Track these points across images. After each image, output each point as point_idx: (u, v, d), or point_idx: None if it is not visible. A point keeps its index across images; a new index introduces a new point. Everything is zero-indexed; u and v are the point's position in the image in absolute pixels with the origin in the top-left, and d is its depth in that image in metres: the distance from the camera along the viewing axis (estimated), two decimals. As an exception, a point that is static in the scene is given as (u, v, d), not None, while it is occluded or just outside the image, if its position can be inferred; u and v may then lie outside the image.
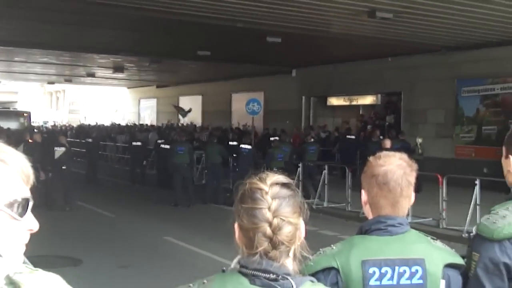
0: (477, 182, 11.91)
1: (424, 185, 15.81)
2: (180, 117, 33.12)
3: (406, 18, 14.82)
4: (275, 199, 1.64)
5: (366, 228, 2.21)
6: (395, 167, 2.18)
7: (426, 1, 12.81)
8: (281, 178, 1.71)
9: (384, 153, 2.27)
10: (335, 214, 14.50)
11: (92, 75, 33.12)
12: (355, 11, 13.99)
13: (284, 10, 14.18)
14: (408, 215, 8.93)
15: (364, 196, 2.26)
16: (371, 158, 2.25)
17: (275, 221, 1.62)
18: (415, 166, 2.24)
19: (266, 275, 1.61)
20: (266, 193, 1.65)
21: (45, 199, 15.35)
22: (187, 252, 10.62)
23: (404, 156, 2.25)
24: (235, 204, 1.71)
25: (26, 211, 1.34)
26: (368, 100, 25.64)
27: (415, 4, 13.14)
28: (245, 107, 21.10)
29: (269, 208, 1.63)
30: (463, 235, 10.57)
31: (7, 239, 1.30)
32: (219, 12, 14.58)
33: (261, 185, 1.67)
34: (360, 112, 26.86)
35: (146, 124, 36.03)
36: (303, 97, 27.25)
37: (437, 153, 19.38)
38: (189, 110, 30.80)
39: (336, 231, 12.01)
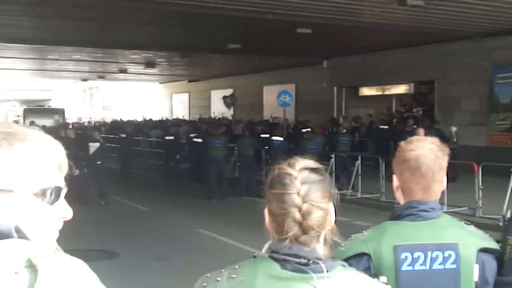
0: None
1: (459, 174, 15.70)
2: (217, 109, 32.96)
3: (437, 5, 14.60)
4: (304, 184, 1.63)
5: (398, 213, 2.19)
6: (427, 151, 2.16)
7: (458, -13, 12.62)
8: (311, 163, 1.70)
9: (416, 137, 2.25)
10: (369, 204, 14.41)
11: (124, 71, 33.42)
12: (385, -1, 13.86)
13: (314, 0, 14.10)
14: (444, 204, 8.77)
15: (395, 181, 2.24)
16: (402, 143, 2.23)
17: (305, 206, 1.61)
18: (446, 150, 2.21)
19: (297, 259, 1.61)
20: (295, 178, 1.64)
21: (80, 194, 15.60)
22: (221, 244, 10.67)
23: (436, 140, 2.22)
24: (264, 189, 1.70)
25: (59, 198, 1.35)
26: (400, 89, 25.37)
27: (447, -10, 12.95)
28: (276, 99, 21.06)
29: (298, 193, 1.62)
30: (500, 224, 10.41)
31: (38, 225, 1.31)
32: (248, 4, 14.57)
33: (290, 170, 1.66)
34: (394, 102, 26.58)
35: (178, 118, 36.22)
36: (335, 88, 27.10)
37: (472, 142, 19.11)
38: (234, 99, 30.70)
39: (370, 221, 11.88)
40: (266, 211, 1.69)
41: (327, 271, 1.60)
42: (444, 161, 2.18)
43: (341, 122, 22.83)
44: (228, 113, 33.61)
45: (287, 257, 1.62)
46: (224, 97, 30.99)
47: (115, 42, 22.58)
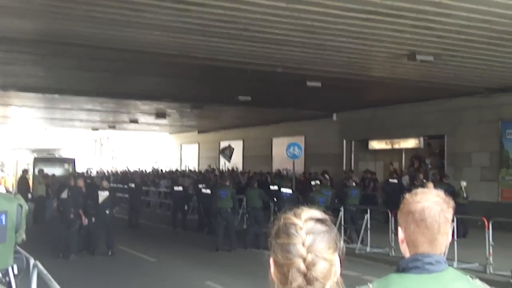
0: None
1: (469, 229, 15.55)
2: (224, 161, 33.29)
3: (447, 61, 14.73)
4: (310, 234, 1.64)
5: (403, 266, 2.17)
6: (432, 204, 2.16)
7: (467, 43, 12.73)
8: (316, 213, 1.71)
9: (420, 190, 2.25)
10: (378, 259, 14.23)
11: (135, 121, 33.69)
12: (395, 54, 13.99)
13: (324, 54, 14.27)
14: (454, 259, 8.67)
15: (401, 233, 2.23)
16: (407, 195, 2.23)
17: (309, 257, 1.61)
18: (451, 203, 2.20)
19: None
20: (301, 228, 1.65)
21: (87, 243, 15.55)
22: (228, 297, 10.54)
23: (441, 193, 2.22)
24: (270, 239, 1.71)
25: None
26: (410, 143, 25.37)
27: (456, 46, 13.06)
28: (285, 151, 21.11)
29: (303, 244, 1.62)
30: (511, 280, 10.26)
31: None
32: (259, 57, 14.76)
33: (296, 220, 1.67)
34: (403, 156, 26.52)
35: (188, 170, 36.28)
36: (344, 141, 27.16)
37: (483, 197, 18.99)
38: (232, 150, 30.97)
39: (379, 276, 11.70)
40: (271, 261, 1.69)
41: None
42: (449, 214, 2.18)
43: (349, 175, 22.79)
44: (237, 164, 33.73)
45: None
46: (222, 150, 31.28)
47: (127, 92, 22.86)
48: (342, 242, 1.72)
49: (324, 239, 1.65)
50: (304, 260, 1.61)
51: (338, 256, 1.69)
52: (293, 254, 1.62)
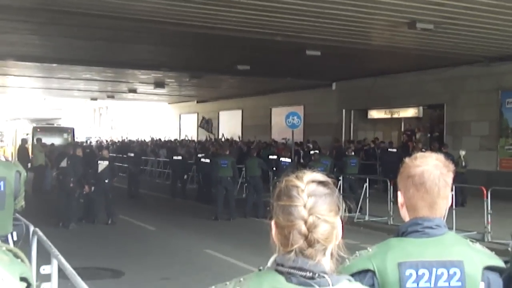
0: (523, 194, 11.68)
1: (468, 198, 15.61)
2: (225, 130, 33.48)
3: (447, 29, 14.64)
4: (311, 196, 1.63)
5: (403, 230, 2.17)
6: (432, 167, 2.14)
7: (467, 11, 12.64)
8: (318, 176, 1.70)
9: (420, 154, 2.23)
10: (377, 228, 14.33)
11: (134, 91, 33.57)
12: (395, 22, 13.89)
13: (323, 23, 14.17)
14: (452, 228, 8.69)
15: (400, 198, 2.22)
16: (407, 159, 2.22)
17: (311, 219, 1.60)
18: (452, 166, 2.19)
19: (302, 273, 1.60)
20: (302, 190, 1.64)
21: (87, 212, 15.62)
22: (227, 265, 10.62)
23: (440, 156, 2.21)
24: (272, 201, 1.70)
25: None
26: (409, 112, 25.37)
27: (456, 14, 12.97)
28: (284, 120, 21.10)
29: (304, 206, 1.62)
30: (509, 249, 10.32)
31: None
32: (258, 26, 14.65)
33: (297, 183, 1.66)
34: (402, 125, 26.56)
35: (187, 139, 36.28)
36: (344, 110, 27.13)
37: (481, 166, 19.03)
38: (210, 121, 31.17)
39: (377, 244, 11.84)
40: (272, 223, 1.69)
41: (332, 285, 1.59)
42: (449, 178, 2.16)
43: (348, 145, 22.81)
44: (237, 133, 33.78)
45: (292, 270, 1.61)
46: (200, 125, 31.43)
47: (125, 62, 22.73)
48: (343, 205, 1.71)
49: (326, 201, 1.64)
50: (306, 222, 1.60)
51: (340, 219, 1.69)
52: (295, 216, 1.61)
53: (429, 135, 23.63)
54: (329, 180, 1.71)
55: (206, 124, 32.05)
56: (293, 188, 1.65)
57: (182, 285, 9.23)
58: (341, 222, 1.69)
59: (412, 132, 25.62)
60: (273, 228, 1.69)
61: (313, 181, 1.67)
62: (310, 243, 1.60)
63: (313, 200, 1.62)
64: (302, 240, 1.60)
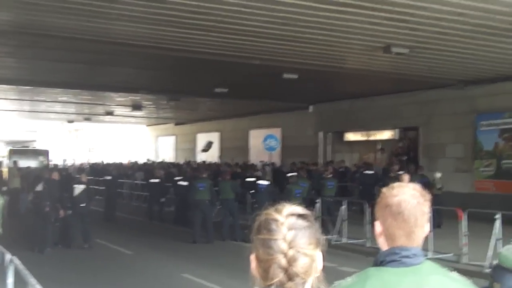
0: (498, 216, 11.79)
1: (444, 220, 15.74)
2: (201, 153, 33.52)
3: (421, 53, 14.86)
4: (291, 230, 1.65)
5: (381, 259, 2.19)
6: (409, 197, 2.18)
7: (441, 36, 12.85)
8: (298, 209, 1.72)
9: (397, 183, 2.27)
10: (354, 250, 14.35)
11: (110, 113, 33.47)
12: (370, 47, 14.08)
13: (300, 47, 14.30)
14: (428, 250, 8.73)
15: (378, 227, 2.25)
16: (384, 189, 2.25)
17: (290, 252, 1.62)
18: (428, 196, 2.23)
19: None
20: (282, 224, 1.66)
21: (63, 236, 15.44)
22: (205, 289, 10.56)
23: (417, 186, 2.25)
24: (251, 235, 1.71)
25: None
26: (385, 135, 25.60)
27: (430, 39, 13.18)
28: (262, 143, 21.14)
29: (284, 239, 1.63)
30: (485, 271, 10.41)
31: None
32: (236, 50, 14.74)
33: (277, 216, 1.68)
34: (380, 147, 26.77)
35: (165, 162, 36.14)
36: (321, 133, 27.28)
37: (457, 188, 19.22)
38: (210, 144, 31.33)
39: (356, 267, 11.79)
40: (252, 257, 1.70)
41: None
42: (426, 207, 2.20)
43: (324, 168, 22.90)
44: (214, 155, 33.77)
45: None
46: (203, 150, 31.69)
47: (102, 84, 22.67)
48: (323, 237, 1.73)
49: (305, 234, 1.66)
50: (285, 255, 1.62)
51: (320, 252, 1.71)
52: (274, 249, 1.63)
53: (405, 157, 23.83)
54: (308, 213, 1.73)
55: (208, 147, 32.22)
56: (273, 221, 1.67)
57: (160, 310, 9.14)
58: (321, 254, 1.71)
59: (385, 150, 25.88)
60: (253, 262, 1.70)
61: (292, 214, 1.69)
62: (290, 276, 1.62)
63: (293, 233, 1.64)
64: (282, 273, 1.61)
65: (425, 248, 12.39)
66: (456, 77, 18.77)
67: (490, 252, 11.31)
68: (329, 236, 14.97)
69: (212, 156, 34.03)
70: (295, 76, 17.87)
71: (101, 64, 18.28)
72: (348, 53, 15.31)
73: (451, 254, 12.43)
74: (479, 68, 17.06)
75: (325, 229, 15.55)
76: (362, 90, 22.39)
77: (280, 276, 1.62)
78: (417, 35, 12.81)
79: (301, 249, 1.63)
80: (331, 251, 13.64)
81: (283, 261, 1.62)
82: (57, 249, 14.79)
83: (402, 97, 22.08)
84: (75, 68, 18.91)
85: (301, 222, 1.68)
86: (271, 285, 1.63)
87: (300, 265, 1.62)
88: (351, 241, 15.06)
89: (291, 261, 1.62)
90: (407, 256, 2.15)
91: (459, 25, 11.90)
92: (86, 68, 18.96)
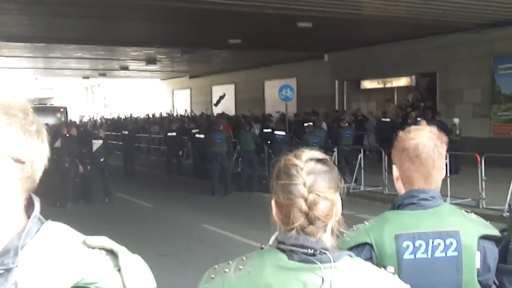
0: (516, 160, 11.76)
1: (462, 165, 15.71)
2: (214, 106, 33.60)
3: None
4: (310, 174, 1.66)
5: (399, 203, 2.20)
6: (426, 140, 2.17)
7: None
8: (317, 154, 1.73)
9: (414, 127, 2.27)
10: (372, 197, 14.42)
11: (125, 68, 33.43)
12: (386, -9, 13.84)
13: (314, -6, 14.09)
14: (447, 196, 8.74)
15: (395, 171, 2.25)
16: (401, 133, 2.25)
17: (311, 197, 1.63)
18: (445, 138, 2.22)
19: (304, 250, 1.63)
20: (301, 169, 1.67)
21: (84, 192, 15.66)
22: (225, 239, 10.71)
23: (434, 129, 2.24)
24: (271, 180, 1.73)
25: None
26: (402, 81, 25.37)
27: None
28: (278, 93, 21.07)
29: (304, 184, 1.64)
30: (503, 214, 10.43)
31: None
32: (248, -1, 14.57)
33: (296, 161, 1.69)
34: (395, 95, 26.52)
35: (180, 115, 36.20)
36: (336, 82, 27.10)
37: (475, 133, 19.11)
38: (223, 96, 31.32)
39: (373, 214, 11.66)
40: (273, 202, 1.71)
41: (334, 261, 1.63)
42: (443, 149, 2.20)
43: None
44: (230, 108, 33.80)
45: (293, 248, 1.64)
46: (216, 103, 31.81)
47: (116, 39, 22.58)
48: (342, 182, 1.75)
49: (325, 179, 1.67)
50: (306, 200, 1.63)
51: (339, 196, 1.72)
52: (295, 194, 1.64)
53: (422, 104, 23.63)
54: (327, 157, 1.74)
55: (219, 101, 32.35)
56: (292, 167, 1.68)
57: (181, 261, 9.31)
58: (340, 199, 1.73)
59: (406, 106, 25.62)
60: (273, 207, 1.71)
61: (311, 159, 1.70)
62: (310, 220, 1.63)
63: (313, 178, 1.65)
64: (303, 218, 1.63)
65: (443, 193, 12.36)
66: (473, 21, 18.42)
67: (509, 196, 11.31)
68: (347, 185, 15.02)
69: (228, 108, 33.98)
70: (309, 25, 17.64)
71: (113, 19, 18.17)
72: (363, -1, 15.07)
73: (470, 199, 12.47)
74: (496, 10, 16.71)
75: (342, 178, 15.61)
76: (378, 37, 22.08)
77: (301, 220, 1.63)
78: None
79: (321, 193, 1.65)
80: (349, 199, 13.57)
81: (303, 206, 1.63)
82: (78, 204, 15.02)
83: (418, 42, 21.75)
84: (88, 24, 18.82)
85: (320, 167, 1.69)
86: (292, 229, 1.65)
87: (320, 209, 1.64)
88: (368, 189, 15.14)
89: (311, 205, 1.63)
90: (425, 199, 2.16)
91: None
92: (100, 23, 18.87)
